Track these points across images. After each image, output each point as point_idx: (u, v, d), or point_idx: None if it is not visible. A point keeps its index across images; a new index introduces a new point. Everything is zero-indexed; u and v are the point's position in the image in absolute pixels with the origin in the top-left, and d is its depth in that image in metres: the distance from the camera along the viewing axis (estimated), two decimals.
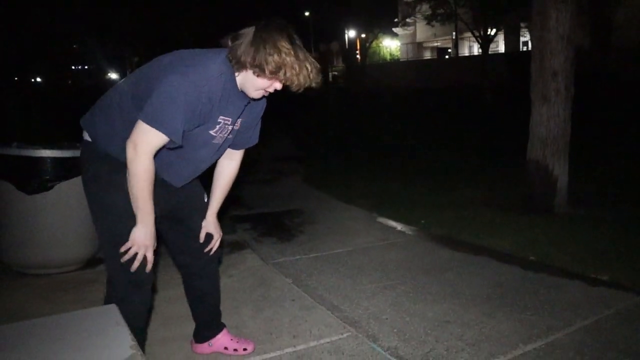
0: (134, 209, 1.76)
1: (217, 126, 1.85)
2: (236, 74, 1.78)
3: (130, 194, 1.74)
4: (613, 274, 3.17)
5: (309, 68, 1.73)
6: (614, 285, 3.01)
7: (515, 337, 2.42)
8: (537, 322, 2.56)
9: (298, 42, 1.73)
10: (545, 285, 3.04)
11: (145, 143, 1.68)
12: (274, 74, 1.71)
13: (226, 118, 1.86)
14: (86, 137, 1.88)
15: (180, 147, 1.78)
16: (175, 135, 1.70)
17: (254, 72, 1.72)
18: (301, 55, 1.71)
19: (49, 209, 3.30)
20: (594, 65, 15.14)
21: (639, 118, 9.22)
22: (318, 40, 37.60)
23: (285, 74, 1.70)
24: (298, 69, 1.70)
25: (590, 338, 2.39)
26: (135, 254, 1.80)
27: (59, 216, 3.33)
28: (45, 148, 3.25)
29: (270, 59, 1.67)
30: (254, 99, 1.87)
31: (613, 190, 5.33)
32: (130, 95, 1.80)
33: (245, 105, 1.91)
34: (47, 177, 3.25)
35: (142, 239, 1.80)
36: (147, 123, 1.66)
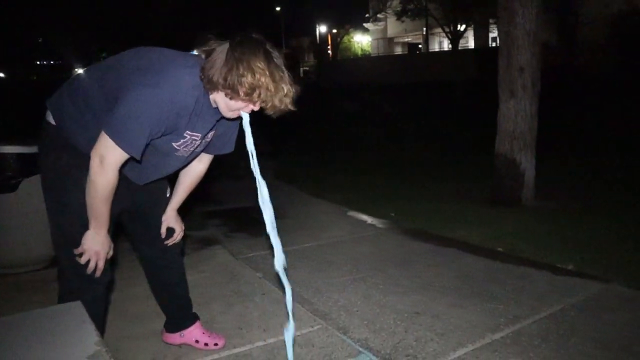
0: (89, 215, 1.71)
1: (182, 140, 1.78)
2: (209, 93, 1.69)
3: (87, 200, 1.68)
4: (578, 264, 3.26)
5: (285, 89, 1.63)
6: (578, 275, 3.09)
7: (483, 327, 2.46)
8: (504, 312, 2.61)
9: (276, 60, 1.63)
10: (513, 275, 3.11)
11: (111, 159, 1.62)
12: (248, 96, 1.61)
13: (194, 134, 1.79)
14: (50, 119, 1.79)
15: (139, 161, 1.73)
16: (137, 154, 1.64)
17: (226, 94, 1.64)
18: (277, 76, 1.61)
19: (13, 207, 3.21)
20: (561, 60, 15.50)
21: (605, 112, 9.49)
22: (289, 35, 37.50)
23: (259, 95, 1.61)
24: (274, 90, 1.61)
25: (555, 325, 2.45)
26: (88, 260, 1.76)
27: (23, 214, 3.24)
28: (8, 144, 3.17)
29: (243, 80, 1.58)
30: (227, 119, 1.80)
31: (579, 183, 5.47)
32: (97, 86, 1.72)
33: (218, 120, 1.84)
34: (10, 173, 3.17)
35: (94, 247, 1.75)
36: (112, 139, 1.59)
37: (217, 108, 1.75)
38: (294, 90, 1.67)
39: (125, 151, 1.61)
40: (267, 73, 1.59)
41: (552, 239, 3.76)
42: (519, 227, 4.08)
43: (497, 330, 2.42)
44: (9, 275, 3.28)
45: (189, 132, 1.77)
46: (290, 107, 1.69)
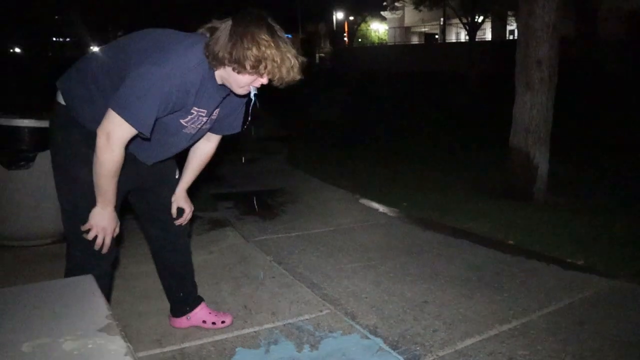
0: (96, 192, 1.73)
1: (189, 116, 1.80)
2: (214, 69, 1.71)
3: (94, 177, 1.70)
4: (588, 259, 3.24)
5: (291, 60, 1.65)
6: (588, 270, 3.07)
7: (491, 318, 2.46)
8: (512, 304, 2.60)
9: (279, 33, 1.65)
10: (522, 268, 3.09)
11: (117, 135, 1.63)
12: (254, 69, 1.63)
13: (200, 110, 1.80)
14: (60, 99, 1.82)
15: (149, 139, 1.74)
16: (146, 130, 1.65)
17: (233, 69, 1.65)
18: (282, 47, 1.63)
19: (26, 181, 3.24)
20: (579, 55, 15.28)
21: (622, 108, 9.35)
22: (306, 21, 37.27)
23: (265, 67, 1.63)
24: (280, 61, 1.63)
25: (564, 320, 2.44)
26: (95, 236, 1.78)
27: (36, 188, 3.27)
28: (22, 117, 3.18)
29: (248, 53, 1.59)
30: (238, 95, 1.81)
31: (593, 179, 5.41)
32: (106, 66, 1.75)
33: (224, 97, 1.86)
34: (24, 147, 3.19)
35: (101, 223, 1.78)
36: (119, 114, 1.60)
37: (222, 85, 1.77)
38: (299, 60, 1.69)
39: (134, 127, 1.62)
40: (272, 45, 1.61)
41: (563, 233, 3.72)
42: (530, 221, 4.05)
43: (505, 322, 2.41)
44: (21, 247, 3.32)
45: (196, 109, 1.79)
46: (298, 77, 1.70)
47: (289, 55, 1.65)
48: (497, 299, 2.66)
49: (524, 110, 4.70)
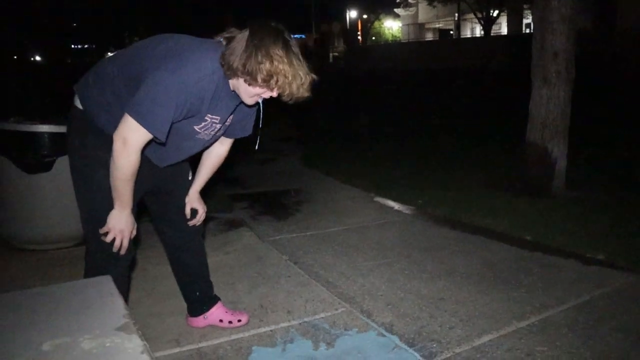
0: (113, 196, 1.76)
1: (203, 123, 1.82)
2: (229, 78, 1.73)
3: (111, 180, 1.73)
4: (608, 254, 3.19)
5: (302, 77, 1.68)
6: (608, 265, 3.03)
7: (508, 314, 2.44)
8: (530, 300, 2.58)
9: (294, 48, 1.67)
10: (540, 264, 3.06)
11: (133, 139, 1.66)
12: (265, 83, 1.65)
13: (214, 117, 1.83)
14: (77, 103, 1.85)
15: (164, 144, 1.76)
16: (162, 135, 1.68)
17: (245, 80, 1.67)
18: (295, 63, 1.66)
19: (47, 185, 3.30)
20: (597, 47, 15.04)
21: None
22: (319, 20, 37.29)
23: (277, 82, 1.65)
24: (291, 78, 1.65)
25: (583, 315, 2.41)
26: (113, 238, 1.82)
27: (56, 192, 3.32)
28: (42, 123, 3.24)
29: (262, 67, 1.62)
30: (247, 105, 1.83)
31: (611, 174, 5.33)
32: (122, 71, 1.77)
33: (237, 105, 1.88)
34: (45, 152, 3.25)
35: (118, 225, 1.81)
36: (135, 120, 1.63)
37: (235, 93, 1.79)
38: (310, 78, 1.71)
39: (150, 132, 1.65)
40: (285, 61, 1.63)
41: (582, 229, 3.67)
42: (548, 216, 4.00)
43: (523, 318, 2.40)
44: (42, 251, 3.38)
45: (210, 116, 1.81)
46: (307, 94, 1.72)
47: (300, 72, 1.67)
48: (514, 295, 2.64)
49: (540, 105, 4.65)
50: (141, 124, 1.63)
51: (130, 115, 1.63)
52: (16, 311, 1.32)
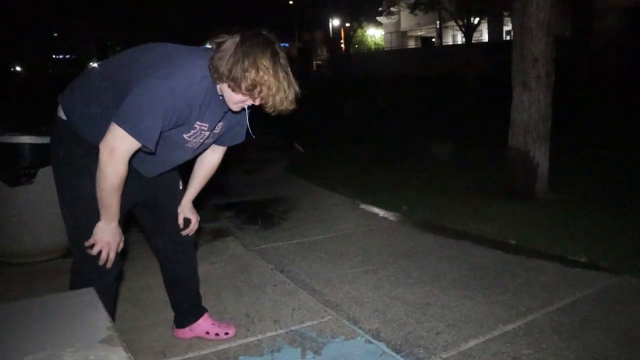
0: (99, 207, 1.73)
1: (192, 131, 1.80)
2: (216, 83, 1.72)
3: (97, 191, 1.70)
4: (591, 256, 3.23)
5: (287, 91, 1.65)
6: (591, 267, 3.07)
7: (494, 318, 2.46)
8: (515, 304, 2.60)
9: (282, 60, 1.65)
10: (525, 267, 3.09)
11: (121, 149, 1.63)
12: (249, 91, 1.63)
13: (203, 124, 1.81)
14: (61, 114, 1.82)
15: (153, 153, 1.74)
16: (151, 144, 1.66)
17: (228, 86, 1.66)
18: (281, 76, 1.63)
19: (29, 197, 3.26)
20: (576, 51, 15.29)
21: (620, 104, 9.35)
22: (302, 29, 37.43)
23: (260, 92, 1.63)
24: (275, 90, 1.63)
25: (568, 317, 2.44)
26: (99, 251, 1.79)
27: (38, 204, 3.28)
28: (24, 134, 3.21)
29: (247, 75, 1.60)
30: (233, 111, 1.82)
31: (593, 177, 5.41)
32: (109, 81, 1.75)
33: (226, 112, 1.86)
34: (27, 164, 3.21)
35: (105, 237, 1.78)
36: (123, 129, 1.60)
37: (223, 99, 1.77)
38: (294, 92, 1.69)
39: (139, 140, 1.63)
40: (271, 72, 1.61)
41: (565, 231, 3.72)
42: (531, 219, 4.05)
43: (509, 322, 2.41)
44: (24, 264, 3.33)
45: (199, 123, 1.79)
46: (290, 107, 1.71)
47: (284, 86, 1.65)
48: (500, 299, 2.66)
49: (522, 110, 4.70)
50: (130, 133, 1.61)
51: (118, 124, 1.61)
52: None
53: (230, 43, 1.65)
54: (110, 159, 1.63)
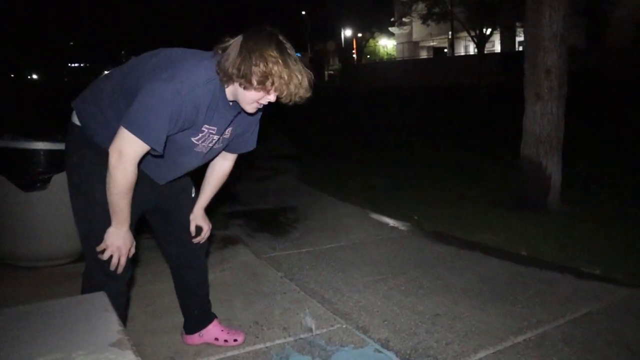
0: (110, 210, 1.74)
1: (200, 134, 1.81)
2: (225, 86, 1.73)
3: (107, 195, 1.71)
4: (605, 269, 3.19)
5: (299, 77, 1.65)
6: (605, 279, 3.03)
7: (505, 330, 2.43)
8: (527, 315, 2.57)
9: (289, 50, 1.66)
10: (536, 279, 3.06)
11: (129, 151, 1.65)
12: (261, 85, 1.64)
13: (211, 127, 1.81)
14: (75, 120, 1.85)
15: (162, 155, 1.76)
16: (158, 145, 1.67)
17: (240, 84, 1.66)
18: (291, 63, 1.64)
19: (43, 202, 3.29)
20: (589, 64, 15.21)
21: (633, 117, 9.27)
22: (314, 39, 37.62)
23: (272, 83, 1.63)
24: (287, 78, 1.63)
25: (580, 330, 2.41)
26: (110, 255, 1.79)
27: (52, 209, 3.32)
28: (38, 140, 3.25)
29: (255, 69, 1.60)
30: (248, 113, 1.82)
31: (606, 188, 5.35)
32: (119, 87, 1.78)
33: (235, 116, 1.86)
34: (41, 169, 3.25)
35: (115, 242, 1.78)
36: (130, 131, 1.62)
37: (233, 103, 1.79)
38: (308, 77, 1.69)
39: (146, 142, 1.64)
40: (280, 61, 1.62)
41: (577, 243, 3.68)
42: (543, 231, 4.01)
43: (520, 333, 2.39)
44: (38, 268, 3.36)
45: (207, 126, 1.80)
46: (306, 95, 1.70)
47: (296, 72, 1.65)
48: (511, 310, 2.64)
49: (534, 121, 4.69)
50: (136, 135, 1.63)
51: (125, 127, 1.63)
52: (10, 327, 1.31)
53: (234, 43, 1.67)
54: (119, 163, 1.65)
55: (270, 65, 1.61)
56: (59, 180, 3.25)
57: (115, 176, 1.67)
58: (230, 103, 1.79)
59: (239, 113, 1.86)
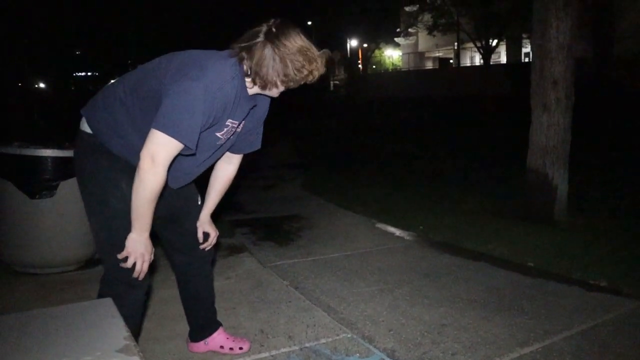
0: (133, 216, 1.71)
1: (225, 129, 1.82)
2: (257, 86, 1.77)
3: (133, 201, 1.68)
4: (612, 281, 3.17)
5: (320, 61, 1.75)
6: (612, 291, 3.01)
7: (511, 341, 2.42)
8: (534, 327, 2.55)
9: (307, 38, 1.75)
10: (543, 290, 3.04)
11: (162, 154, 1.63)
12: (305, 79, 1.74)
13: (234, 121, 1.83)
14: (85, 128, 1.84)
15: (194, 154, 1.75)
16: (192, 144, 1.66)
17: (284, 85, 1.75)
18: (317, 52, 1.74)
19: (50, 209, 3.31)
20: (596, 75, 15.19)
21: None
22: (320, 49, 37.73)
23: (313, 78, 1.75)
24: (320, 64, 1.74)
25: (587, 342, 2.39)
26: (133, 263, 1.77)
27: (59, 216, 3.34)
28: (46, 147, 3.27)
29: (304, 69, 1.70)
30: (263, 97, 1.89)
31: (613, 199, 5.33)
32: (134, 91, 1.77)
33: (251, 109, 1.88)
34: (48, 176, 3.26)
35: (138, 249, 1.75)
36: (166, 133, 1.60)
37: (252, 96, 1.82)
38: (322, 57, 1.77)
39: (181, 141, 1.63)
40: (316, 55, 1.72)
41: (585, 255, 3.66)
42: (550, 242, 3.99)
43: (527, 345, 2.37)
44: (44, 275, 3.37)
45: (230, 120, 1.82)
46: (323, 71, 1.78)
47: (319, 58, 1.74)
48: (517, 322, 2.62)
49: (540, 131, 4.68)
50: (171, 135, 1.61)
51: (158, 129, 1.61)
52: (16, 333, 1.31)
53: (259, 46, 1.68)
54: (151, 167, 1.63)
55: (313, 63, 1.71)
56: (66, 188, 3.26)
57: (146, 180, 1.64)
58: (250, 96, 1.82)
59: (254, 106, 1.88)
